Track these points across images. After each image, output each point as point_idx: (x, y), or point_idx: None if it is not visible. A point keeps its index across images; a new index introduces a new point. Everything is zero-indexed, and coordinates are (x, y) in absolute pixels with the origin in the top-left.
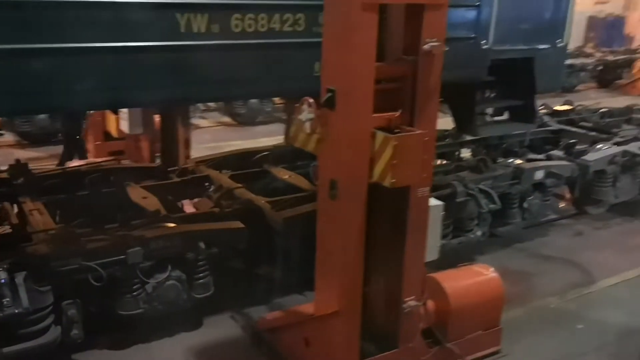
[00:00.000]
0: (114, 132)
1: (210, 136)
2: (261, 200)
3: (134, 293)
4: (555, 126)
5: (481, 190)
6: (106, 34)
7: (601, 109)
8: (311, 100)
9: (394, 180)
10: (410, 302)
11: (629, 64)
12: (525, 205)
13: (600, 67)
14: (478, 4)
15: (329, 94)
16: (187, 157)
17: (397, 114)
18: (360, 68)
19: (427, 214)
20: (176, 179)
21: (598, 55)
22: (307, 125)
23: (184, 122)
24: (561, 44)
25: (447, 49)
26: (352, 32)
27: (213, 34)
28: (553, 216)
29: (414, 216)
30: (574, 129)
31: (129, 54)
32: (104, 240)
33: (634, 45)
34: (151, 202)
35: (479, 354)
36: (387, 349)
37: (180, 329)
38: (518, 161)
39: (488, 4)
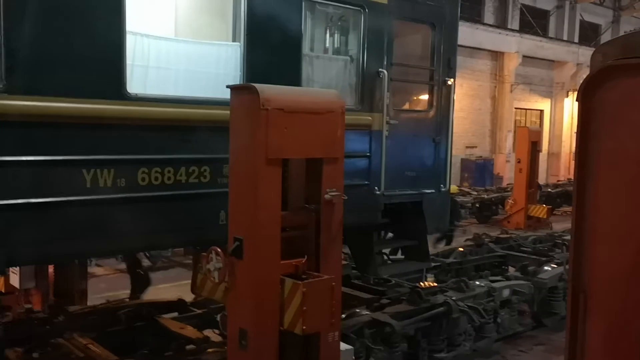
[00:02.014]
0: (0, 287)
1: (106, 285)
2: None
3: None
4: (500, 252)
5: (470, 307)
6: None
7: (531, 236)
8: (219, 250)
9: (304, 327)
10: None
11: (501, 201)
12: (498, 320)
13: (477, 205)
14: (369, 154)
15: (237, 243)
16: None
17: (304, 260)
18: (267, 217)
19: (339, 359)
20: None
21: (474, 194)
22: (216, 275)
23: (80, 272)
24: (444, 189)
25: (346, 197)
26: (257, 184)
27: (119, 188)
28: (519, 329)
29: None
30: (518, 254)
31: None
32: None
33: (504, 184)
34: (190, 331)
35: None
36: None
37: None
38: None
39: (377, 154)
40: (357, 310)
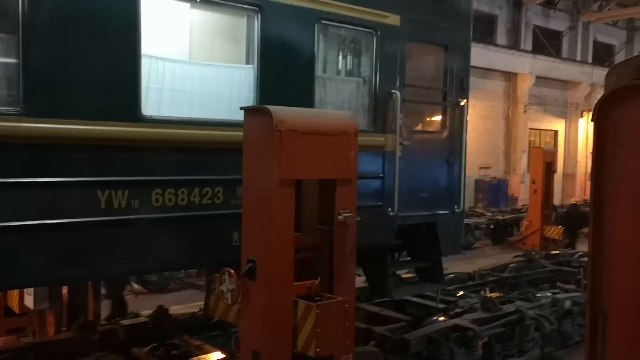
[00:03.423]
0: (15, 308)
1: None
2: None
3: None
4: (551, 267)
5: (540, 315)
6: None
7: (577, 252)
8: (232, 271)
9: (318, 350)
10: None
11: (516, 222)
12: (561, 328)
13: (492, 226)
14: (382, 176)
15: (250, 265)
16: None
17: (317, 281)
18: (280, 239)
19: None
20: None
21: (489, 215)
22: (229, 296)
23: (94, 294)
24: (458, 210)
25: (359, 219)
26: (271, 205)
27: (133, 209)
28: (579, 338)
29: None
30: (567, 268)
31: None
32: None
33: (518, 204)
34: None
35: None
36: None
37: None
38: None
39: (391, 176)
40: (435, 318)
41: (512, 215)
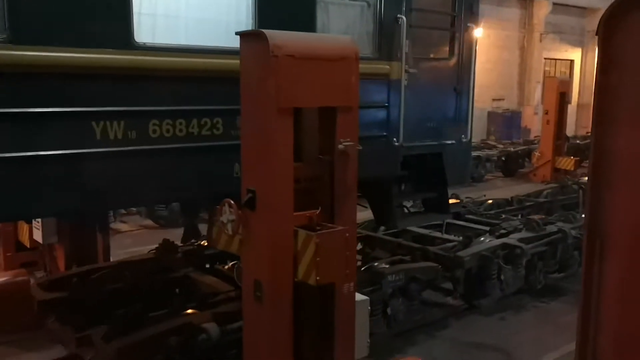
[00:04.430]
0: (26, 242)
1: (132, 240)
2: None
3: None
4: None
5: (581, 234)
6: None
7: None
8: (232, 202)
9: (318, 278)
10: None
11: (528, 154)
12: None
13: (503, 158)
14: (387, 105)
15: (249, 195)
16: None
17: (317, 212)
18: (279, 169)
19: (354, 310)
20: None
21: (500, 147)
22: (229, 227)
23: (102, 228)
24: (465, 140)
25: (360, 147)
26: (269, 135)
27: (130, 140)
28: None
29: (340, 313)
30: None
31: (42, 163)
32: None
33: (531, 136)
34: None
35: None
36: None
37: None
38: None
39: (396, 105)
40: (482, 238)
41: (524, 147)
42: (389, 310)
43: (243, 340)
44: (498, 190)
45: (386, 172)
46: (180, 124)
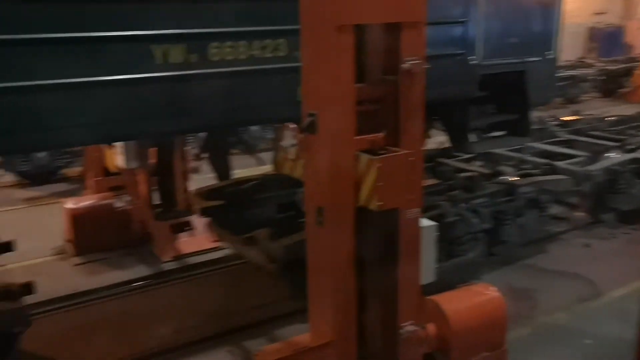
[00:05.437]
0: (112, 168)
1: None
2: None
3: None
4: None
5: None
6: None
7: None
8: (293, 126)
9: (380, 203)
10: (408, 327)
11: (629, 72)
12: None
13: (602, 77)
14: (464, 20)
15: (310, 119)
16: (185, 189)
17: (381, 135)
18: (340, 91)
19: (419, 235)
20: None
21: (599, 65)
22: (291, 152)
23: (181, 153)
24: (551, 56)
25: (429, 66)
26: (329, 55)
27: (191, 64)
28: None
29: (405, 239)
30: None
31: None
32: None
33: (634, 53)
34: None
35: None
36: None
37: None
38: None
39: (475, 20)
40: (608, 154)
41: (626, 65)
42: (520, 221)
43: (307, 263)
44: (593, 111)
45: (462, 92)
46: (242, 46)
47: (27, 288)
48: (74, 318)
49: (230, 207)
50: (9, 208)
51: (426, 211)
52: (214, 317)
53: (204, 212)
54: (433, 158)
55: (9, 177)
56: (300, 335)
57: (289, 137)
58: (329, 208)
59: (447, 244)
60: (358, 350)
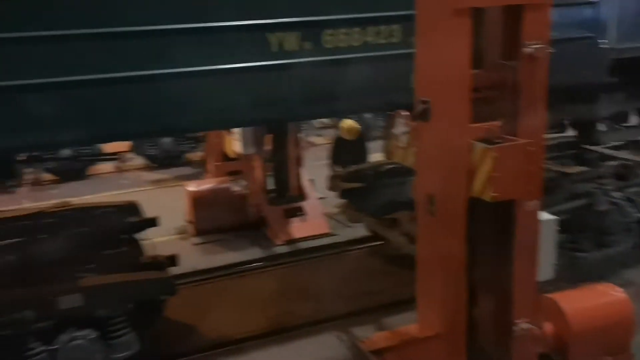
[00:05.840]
0: (230, 153)
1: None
2: None
3: None
4: None
5: None
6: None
7: None
8: (405, 113)
9: (495, 194)
10: (522, 324)
11: None
12: None
13: None
14: (596, 1)
15: (423, 106)
16: (298, 175)
17: (498, 123)
18: (455, 77)
19: (537, 229)
20: None
21: None
22: (402, 139)
23: (295, 140)
24: None
25: (554, 50)
26: (444, 39)
27: (305, 51)
28: None
29: (521, 232)
30: None
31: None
32: None
33: None
34: None
35: None
36: None
37: None
38: None
39: (608, 1)
40: None
41: None
42: None
43: (417, 253)
44: None
45: (590, 78)
46: (355, 32)
47: (172, 260)
48: (196, 293)
49: (370, 189)
50: (138, 189)
51: (574, 199)
52: (324, 301)
53: (344, 194)
54: (576, 145)
55: (138, 160)
56: (408, 325)
57: (401, 125)
58: (440, 197)
59: (598, 234)
60: (468, 345)
